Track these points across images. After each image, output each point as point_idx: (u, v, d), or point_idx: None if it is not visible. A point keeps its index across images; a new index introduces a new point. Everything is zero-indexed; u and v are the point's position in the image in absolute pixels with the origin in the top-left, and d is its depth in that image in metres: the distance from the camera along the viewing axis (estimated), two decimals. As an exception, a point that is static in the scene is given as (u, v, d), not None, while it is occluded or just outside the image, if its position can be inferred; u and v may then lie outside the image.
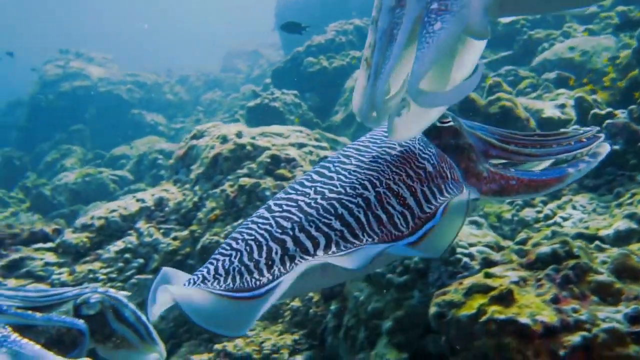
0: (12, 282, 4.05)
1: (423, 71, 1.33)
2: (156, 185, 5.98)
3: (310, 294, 3.64)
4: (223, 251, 1.66)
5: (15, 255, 4.22)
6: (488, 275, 2.34)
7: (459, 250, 2.82)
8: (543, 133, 2.14)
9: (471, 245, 2.86)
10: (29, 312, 2.10)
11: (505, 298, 2.12)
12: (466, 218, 1.91)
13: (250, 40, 28.26)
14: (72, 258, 4.19)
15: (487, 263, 2.66)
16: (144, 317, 2.34)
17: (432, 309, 2.39)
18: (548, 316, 1.97)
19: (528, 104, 5.34)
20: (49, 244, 4.44)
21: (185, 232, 4.22)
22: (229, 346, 3.44)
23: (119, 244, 4.17)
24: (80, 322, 2.11)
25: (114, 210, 4.44)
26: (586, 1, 1.80)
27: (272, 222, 1.66)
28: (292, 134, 4.92)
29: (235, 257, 1.59)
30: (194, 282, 1.56)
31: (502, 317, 2.03)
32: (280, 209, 1.70)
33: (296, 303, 3.70)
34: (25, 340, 1.92)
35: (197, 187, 4.50)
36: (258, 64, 23.56)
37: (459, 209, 1.56)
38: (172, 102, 20.03)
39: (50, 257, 4.26)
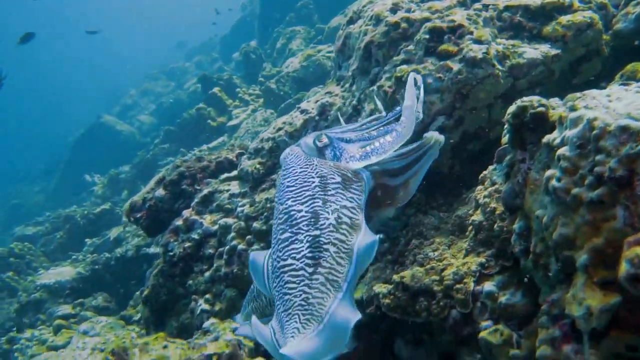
0: (207, 218, 4.21)
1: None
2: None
3: (493, 205, 2.90)
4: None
5: (206, 190, 4.34)
6: None
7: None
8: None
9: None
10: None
11: None
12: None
13: None
14: (250, 187, 4.12)
15: None
16: None
17: (623, 266, 1.63)
18: None
19: None
20: (234, 172, 4.45)
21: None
22: (406, 277, 2.99)
23: (289, 166, 3.91)
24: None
25: (280, 129, 4.16)
26: None
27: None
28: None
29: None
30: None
31: None
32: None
33: (477, 217, 3.00)
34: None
35: (354, 87, 3.89)
36: None
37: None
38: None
39: (235, 187, 4.28)
